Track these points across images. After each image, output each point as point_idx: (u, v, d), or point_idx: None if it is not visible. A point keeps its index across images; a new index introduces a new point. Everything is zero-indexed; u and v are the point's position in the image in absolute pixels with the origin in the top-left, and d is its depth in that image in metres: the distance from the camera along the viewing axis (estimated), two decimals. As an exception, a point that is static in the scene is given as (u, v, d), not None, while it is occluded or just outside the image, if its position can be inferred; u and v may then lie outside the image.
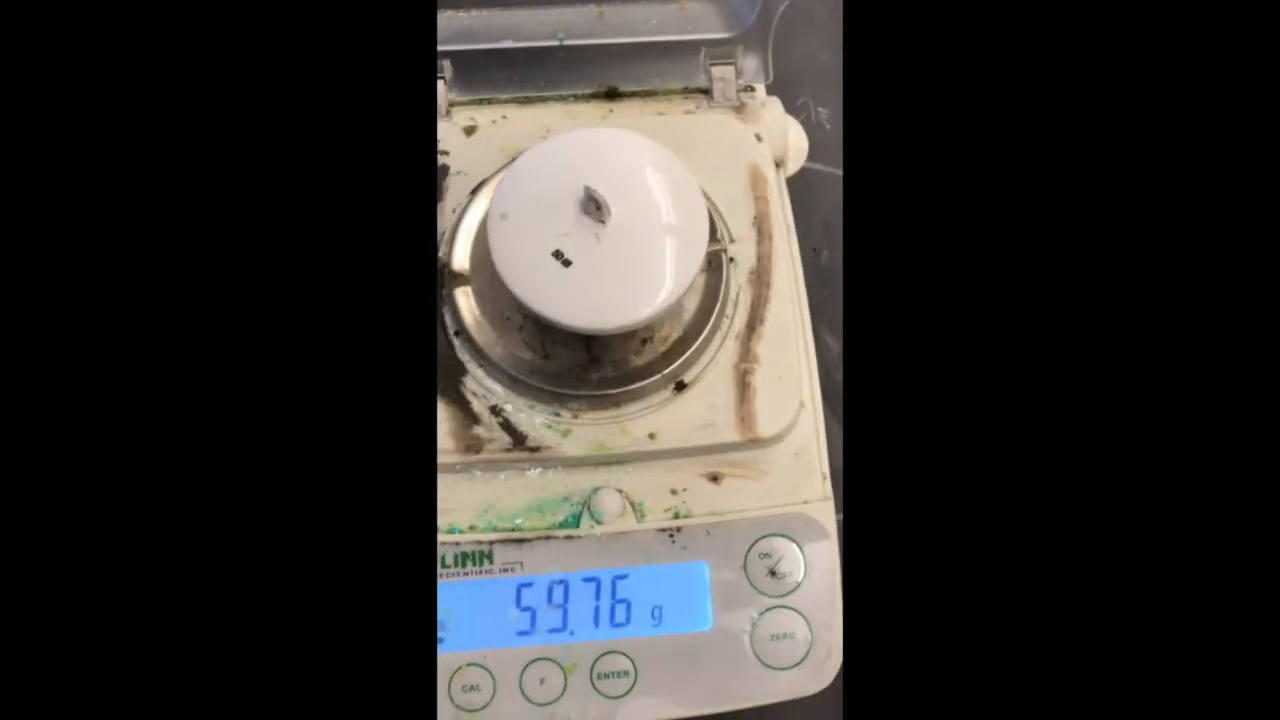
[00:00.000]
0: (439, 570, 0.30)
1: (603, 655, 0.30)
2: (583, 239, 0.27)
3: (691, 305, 0.31)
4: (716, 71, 0.36)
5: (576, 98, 0.36)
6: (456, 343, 0.31)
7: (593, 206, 0.27)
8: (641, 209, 0.28)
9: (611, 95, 0.36)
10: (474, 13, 0.35)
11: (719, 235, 0.32)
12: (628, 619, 0.30)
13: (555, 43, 0.35)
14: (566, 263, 0.27)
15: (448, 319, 0.31)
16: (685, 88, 0.36)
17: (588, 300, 0.27)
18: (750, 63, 0.36)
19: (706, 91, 0.36)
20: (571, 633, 0.30)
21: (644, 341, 0.31)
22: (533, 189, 0.28)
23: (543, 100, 0.36)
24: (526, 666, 0.30)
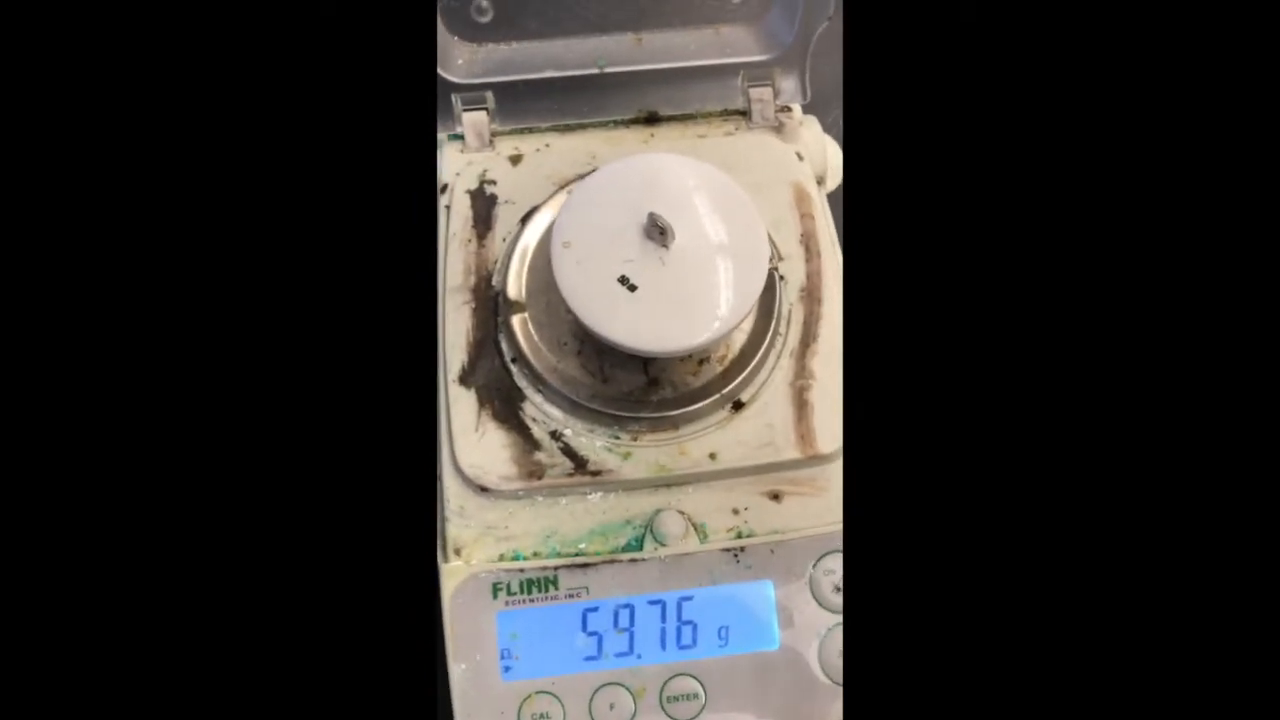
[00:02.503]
0: (504, 599, 0.30)
1: (671, 678, 0.30)
2: (647, 264, 0.28)
3: (747, 324, 0.31)
4: (755, 93, 0.36)
5: (617, 124, 0.36)
6: (514, 369, 0.31)
7: (656, 231, 0.27)
8: (703, 232, 0.28)
9: (652, 120, 0.36)
10: (514, 45, 0.36)
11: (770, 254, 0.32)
12: (694, 640, 0.30)
13: (595, 70, 0.36)
14: (632, 287, 0.27)
15: (504, 346, 0.31)
16: (724, 110, 0.37)
17: (655, 323, 0.27)
18: (787, 83, 0.36)
19: (745, 113, 0.37)
20: (639, 656, 0.30)
21: (701, 362, 0.31)
22: (594, 216, 0.28)
23: (584, 127, 0.36)
24: (595, 692, 0.30)
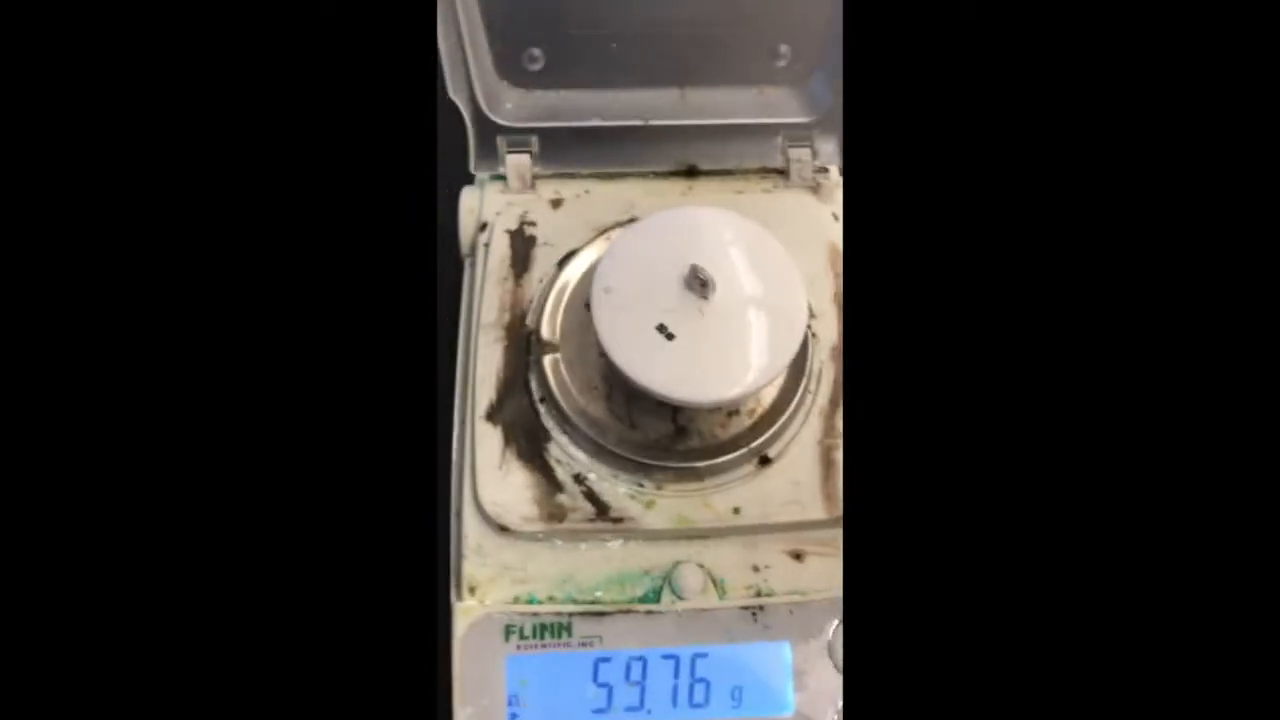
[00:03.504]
0: (516, 642, 0.29)
1: (681, 737, 0.29)
2: (686, 314, 0.28)
3: (778, 380, 0.31)
4: (794, 153, 0.37)
5: (657, 175, 0.37)
6: (542, 409, 0.31)
7: (697, 283, 0.28)
8: (743, 287, 0.29)
9: (691, 173, 0.37)
10: (562, 93, 0.37)
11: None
12: (706, 700, 0.30)
13: (639, 122, 0.36)
14: (670, 336, 0.28)
15: (534, 385, 0.31)
16: (763, 168, 0.37)
17: (691, 374, 0.27)
18: (826, 146, 0.37)
19: (783, 172, 0.37)
20: (649, 712, 0.29)
21: (731, 414, 0.31)
22: (636, 264, 0.29)
23: (624, 176, 0.37)
24: (603, 747, 0.29)
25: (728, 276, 0.28)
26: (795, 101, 0.37)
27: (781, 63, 0.36)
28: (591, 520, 0.30)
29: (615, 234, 0.33)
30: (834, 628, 0.30)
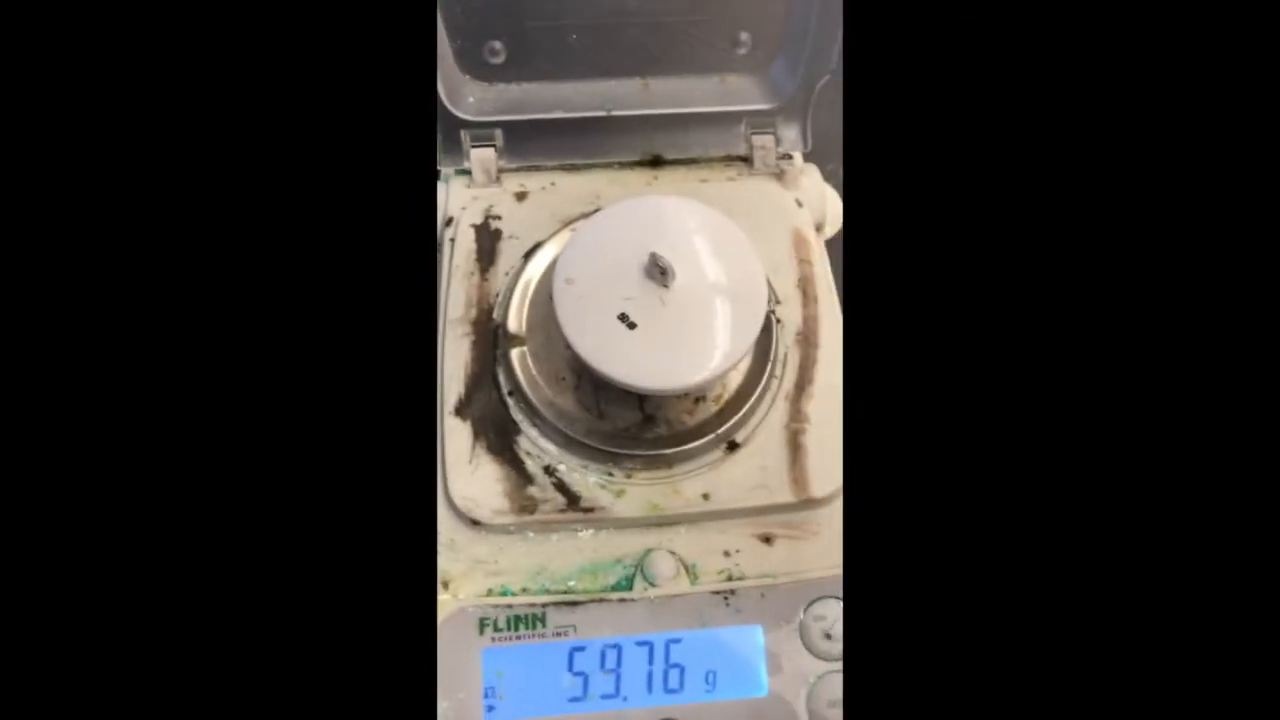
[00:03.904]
0: (491, 635, 0.30)
1: (657, 723, 0.29)
2: (647, 302, 0.28)
3: (743, 365, 0.31)
4: (757, 140, 0.37)
5: (622, 165, 0.37)
6: (510, 402, 0.31)
7: (657, 271, 0.28)
8: (703, 273, 0.29)
9: (656, 163, 0.37)
10: (525, 85, 0.37)
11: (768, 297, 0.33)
12: (681, 685, 0.30)
13: (602, 113, 0.36)
14: (632, 325, 0.28)
15: (502, 379, 0.31)
16: (727, 155, 0.37)
17: (654, 361, 0.27)
18: (789, 132, 0.37)
19: (747, 159, 0.37)
20: (625, 699, 0.30)
21: (697, 401, 0.31)
22: (597, 254, 0.29)
23: (590, 168, 0.37)
24: (580, 735, 0.29)
25: (688, 264, 0.29)
26: (757, 89, 0.37)
27: (742, 50, 0.36)
28: (563, 511, 0.30)
29: (581, 224, 0.33)
30: (805, 609, 0.30)
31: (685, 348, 0.28)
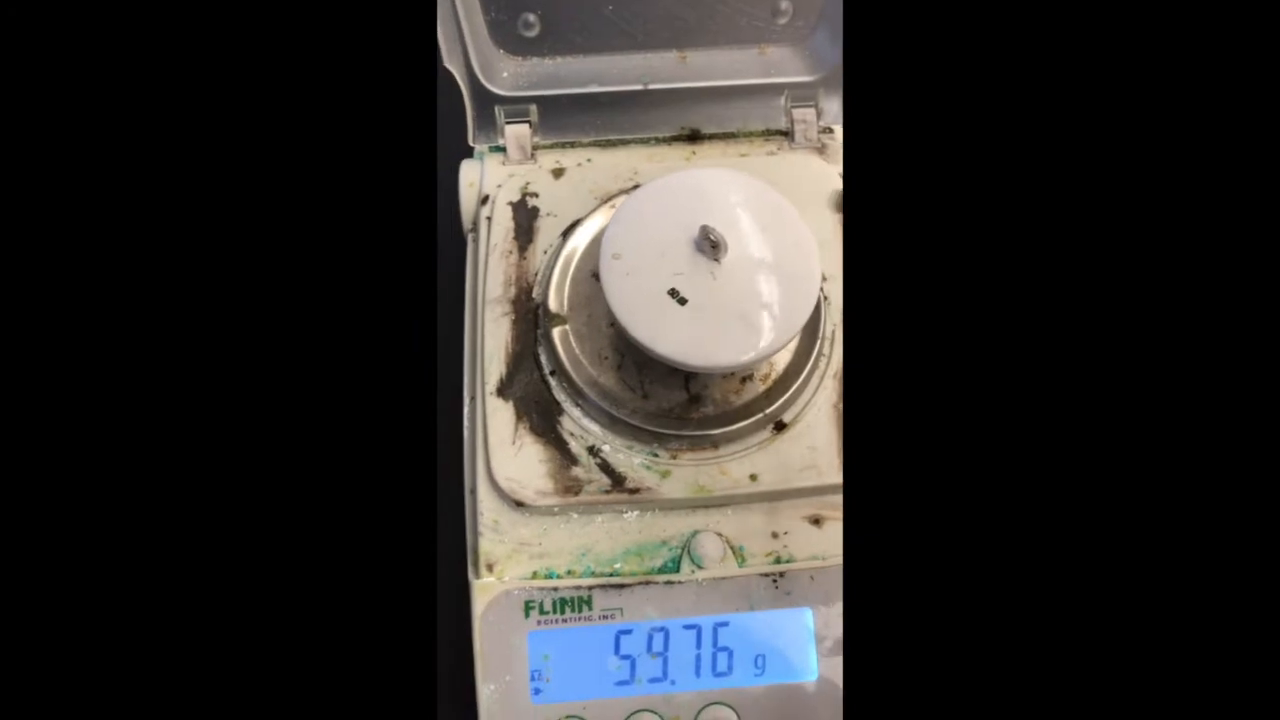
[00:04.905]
0: (536, 617, 0.29)
1: (706, 707, 0.29)
2: (698, 277, 0.27)
3: (792, 344, 0.30)
4: (798, 114, 0.36)
5: (658, 140, 0.36)
6: (553, 382, 0.31)
7: (708, 245, 0.27)
8: (754, 248, 0.28)
9: (694, 138, 0.36)
10: (559, 59, 0.36)
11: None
12: (730, 668, 0.29)
13: (639, 87, 0.35)
14: (682, 301, 0.27)
15: (544, 358, 0.31)
16: (766, 130, 0.37)
17: (706, 338, 0.27)
18: (831, 105, 0.36)
19: (787, 133, 0.36)
20: (673, 683, 0.29)
21: (744, 380, 0.30)
22: (644, 229, 0.28)
23: (626, 143, 0.36)
24: (628, 718, 0.29)
25: (738, 238, 0.28)
26: (798, 60, 0.36)
27: (783, 20, 0.35)
28: (607, 492, 0.29)
29: (620, 201, 0.33)
30: (856, 591, 0.29)
31: (738, 324, 0.27)
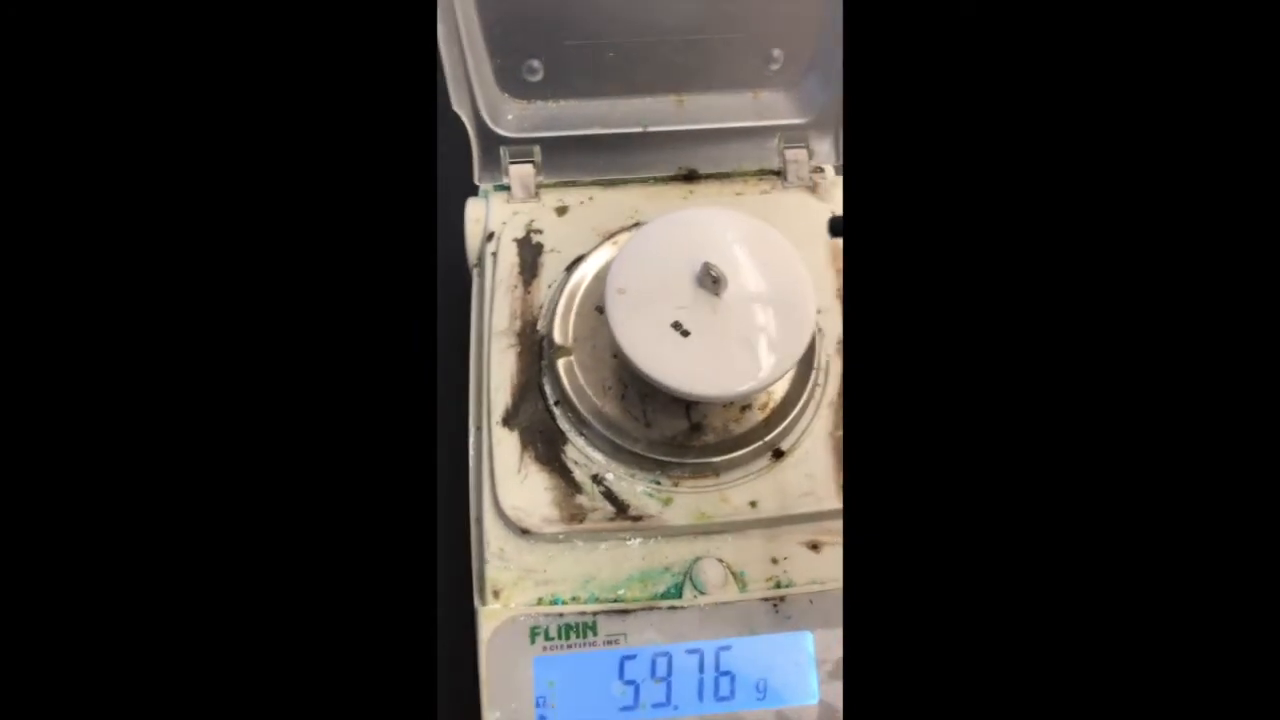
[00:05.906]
0: (542, 643, 0.30)
1: (709, 731, 0.29)
2: (699, 311, 0.29)
3: (789, 374, 0.32)
4: (790, 154, 0.38)
5: (657, 180, 0.38)
6: (557, 412, 0.31)
7: (710, 280, 0.28)
8: (753, 283, 0.29)
9: (691, 178, 0.38)
10: (562, 103, 0.37)
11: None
12: (732, 692, 0.30)
13: (638, 129, 0.37)
14: (685, 333, 0.28)
15: (548, 389, 0.32)
16: (760, 169, 0.38)
17: (707, 369, 0.28)
18: (821, 146, 0.38)
19: (780, 173, 0.38)
20: (675, 707, 0.30)
21: (744, 409, 0.31)
22: (648, 265, 0.29)
23: (626, 183, 0.37)
24: (632, 744, 0.29)
25: (738, 274, 0.29)
26: (789, 103, 0.38)
27: (775, 66, 0.37)
28: (611, 519, 0.30)
29: (623, 237, 0.34)
30: (854, 615, 0.30)
31: (738, 355, 0.28)
